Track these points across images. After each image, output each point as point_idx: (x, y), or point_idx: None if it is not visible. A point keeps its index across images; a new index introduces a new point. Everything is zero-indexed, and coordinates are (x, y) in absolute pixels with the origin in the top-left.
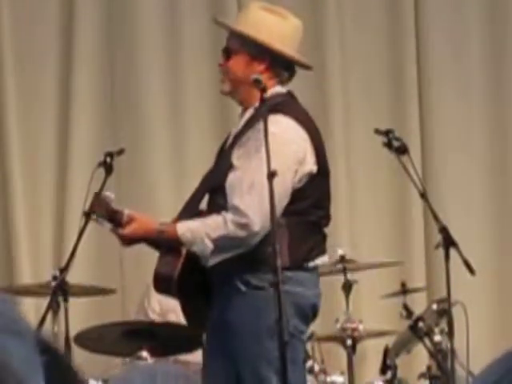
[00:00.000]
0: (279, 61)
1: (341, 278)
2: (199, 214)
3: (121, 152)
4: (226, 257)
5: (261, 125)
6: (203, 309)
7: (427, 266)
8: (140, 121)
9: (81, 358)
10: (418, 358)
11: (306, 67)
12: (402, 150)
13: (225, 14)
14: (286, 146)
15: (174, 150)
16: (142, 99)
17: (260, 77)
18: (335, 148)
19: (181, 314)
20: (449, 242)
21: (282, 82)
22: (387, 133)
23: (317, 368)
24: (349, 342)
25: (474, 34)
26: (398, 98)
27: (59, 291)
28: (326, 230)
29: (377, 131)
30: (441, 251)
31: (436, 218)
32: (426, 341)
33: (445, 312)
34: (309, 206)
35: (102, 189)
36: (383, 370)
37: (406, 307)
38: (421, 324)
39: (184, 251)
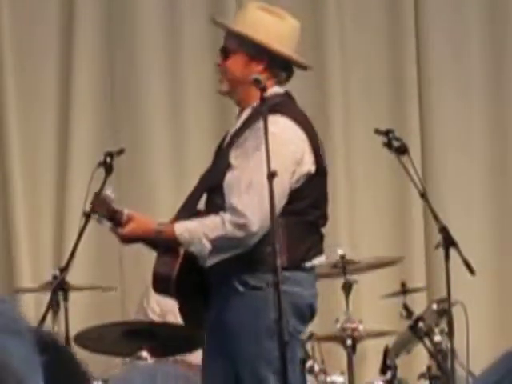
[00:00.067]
0: (277, 61)
1: (341, 278)
2: (197, 214)
3: (121, 152)
4: (224, 257)
5: (259, 124)
6: (201, 309)
7: (427, 265)
8: (140, 121)
9: (81, 357)
10: (418, 358)
11: (304, 67)
12: (402, 150)
13: (224, 14)
14: (285, 146)
15: (173, 149)
16: (142, 99)
17: (260, 76)
18: (335, 148)
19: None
20: (449, 242)
21: (280, 83)
22: (387, 133)
23: (317, 368)
24: (349, 341)
25: (474, 34)
26: (398, 98)
27: (59, 291)
28: (325, 230)
29: (377, 131)
30: (441, 251)
31: (436, 217)
32: (426, 341)
33: (445, 312)
34: (307, 206)
35: (101, 189)
36: (383, 370)
37: (406, 307)
38: (421, 324)
39: (182, 251)
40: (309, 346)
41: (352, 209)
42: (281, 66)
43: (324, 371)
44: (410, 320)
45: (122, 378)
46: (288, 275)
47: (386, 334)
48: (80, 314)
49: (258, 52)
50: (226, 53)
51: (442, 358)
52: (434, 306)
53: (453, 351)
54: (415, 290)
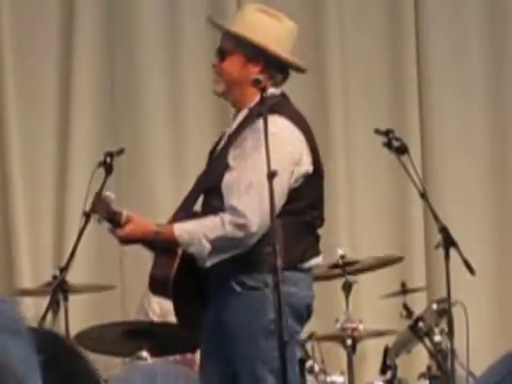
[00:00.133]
0: (274, 63)
1: (341, 278)
2: (193, 216)
3: (121, 152)
4: (224, 258)
5: (258, 124)
6: (197, 310)
7: (427, 265)
8: (140, 121)
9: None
10: (418, 358)
11: (301, 70)
12: (402, 150)
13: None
14: (283, 146)
15: (173, 149)
16: (142, 99)
17: (260, 77)
18: (335, 148)
19: None
20: (449, 242)
21: (275, 85)
22: (387, 133)
23: (317, 368)
24: (349, 341)
25: (474, 34)
26: (397, 98)
27: (59, 291)
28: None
29: (377, 131)
30: (441, 251)
31: (436, 217)
32: (426, 341)
33: (445, 312)
34: (304, 207)
35: (101, 189)
36: (383, 370)
37: (406, 307)
38: (421, 324)
39: (180, 252)
40: (309, 346)
41: (352, 209)
42: (277, 67)
43: (324, 371)
44: (410, 320)
45: (122, 378)
46: (285, 276)
47: (386, 333)
48: (80, 314)
49: (254, 53)
50: (222, 54)
51: (442, 358)
52: (434, 306)
53: (453, 351)
54: (415, 290)
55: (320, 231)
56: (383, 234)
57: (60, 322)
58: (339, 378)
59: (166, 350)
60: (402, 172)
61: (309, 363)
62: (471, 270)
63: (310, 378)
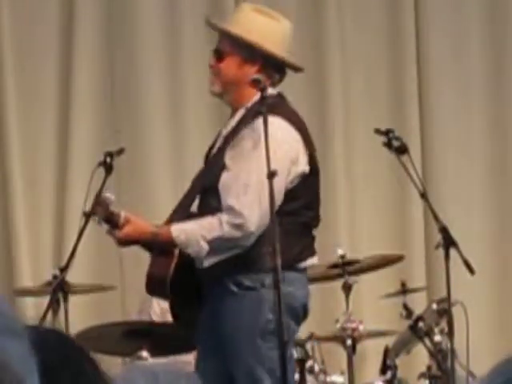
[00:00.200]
0: (271, 63)
1: (341, 278)
2: (190, 216)
3: (121, 152)
4: (222, 258)
5: (255, 124)
6: (194, 309)
7: (427, 265)
8: (140, 121)
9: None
10: (418, 358)
11: (298, 69)
12: (402, 150)
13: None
14: (279, 146)
15: (173, 149)
16: (142, 99)
17: (260, 77)
18: (335, 148)
19: None
20: (449, 242)
21: (273, 84)
22: (387, 133)
23: (317, 368)
24: (349, 342)
25: (474, 34)
26: (397, 98)
27: (59, 291)
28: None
29: (377, 131)
30: (441, 251)
31: (436, 217)
32: (426, 341)
33: (445, 312)
34: (300, 207)
35: (101, 189)
36: (383, 370)
37: (406, 307)
38: (421, 324)
39: (177, 252)
40: (309, 345)
41: (352, 209)
42: (274, 67)
43: (324, 371)
44: (409, 320)
45: (124, 377)
46: (282, 275)
47: (386, 333)
48: (80, 314)
49: (252, 54)
50: (219, 54)
51: (442, 358)
52: (434, 306)
53: (453, 351)
54: (415, 290)
55: (320, 231)
56: (383, 234)
57: (60, 321)
58: (339, 378)
59: (166, 349)
60: (402, 172)
61: (309, 363)
62: (471, 270)
63: (310, 378)
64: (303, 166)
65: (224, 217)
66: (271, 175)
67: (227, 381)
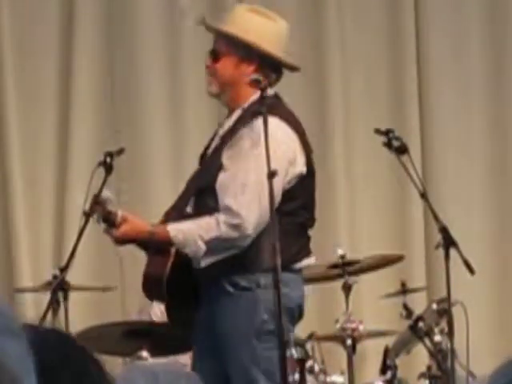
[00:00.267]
0: (268, 62)
1: (341, 278)
2: (185, 218)
3: (121, 152)
4: (219, 258)
5: (254, 124)
6: (191, 309)
7: (427, 265)
8: (140, 121)
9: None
10: (418, 358)
11: (295, 69)
12: (402, 150)
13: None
14: (278, 146)
15: (173, 149)
16: (142, 99)
17: (260, 77)
18: (335, 148)
19: None
20: (449, 242)
21: (270, 84)
22: (387, 133)
23: (317, 368)
24: (349, 341)
25: (474, 34)
26: (397, 98)
27: (59, 291)
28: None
29: (377, 131)
30: (441, 251)
31: (436, 217)
32: (426, 341)
33: (445, 312)
34: (298, 207)
35: (101, 189)
36: (383, 370)
37: (406, 307)
38: (421, 324)
39: (173, 251)
40: (309, 345)
41: (352, 209)
42: (271, 67)
43: (324, 371)
44: (409, 320)
45: (125, 377)
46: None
47: (386, 333)
48: (80, 314)
49: (248, 53)
50: (215, 55)
51: (442, 358)
52: (434, 306)
53: (453, 351)
54: (415, 290)
55: (320, 231)
56: (383, 234)
57: (60, 321)
58: (339, 378)
59: (166, 349)
60: (402, 172)
61: (309, 363)
62: (471, 270)
63: (310, 378)
64: (301, 167)
65: (221, 217)
66: (271, 175)
67: (223, 381)
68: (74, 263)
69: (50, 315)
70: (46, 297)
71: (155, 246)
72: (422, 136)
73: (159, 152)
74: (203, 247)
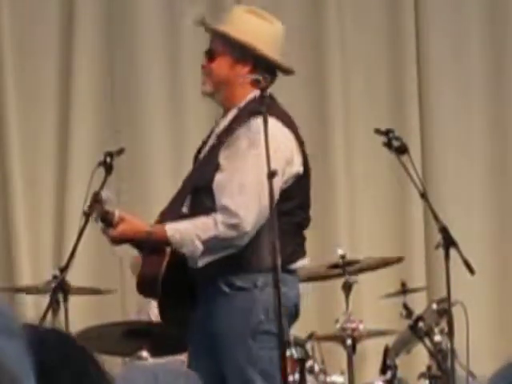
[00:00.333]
0: (262, 64)
1: (341, 278)
2: (181, 218)
3: (121, 152)
4: (216, 258)
5: (251, 124)
6: (186, 309)
7: (427, 265)
8: (140, 121)
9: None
10: (418, 358)
11: (289, 72)
12: (402, 150)
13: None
14: (275, 146)
15: (173, 149)
16: (142, 99)
17: (260, 77)
18: (335, 148)
19: None
20: (449, 242)
21: None
22: (387, 133)
23: (317, 368)
24: (349, 341)
25: (474, 34)
26: (397, 98)
27: (59, 291)
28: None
29: (377, 131)
30: (441, 251)
31: (436, 217)
32: (426, 341)
33: (445, 312)
34: (295, 207)
35: (101, 188)
36: (383, 370)
37: (406, 307)
38: (421, 324)
39: (168, 250)
40: (309, 345)
41: (352, 209)
42: (266, 69)
43: (324, 371)
44: (409, 320)
45: (125, 377)
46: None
47: (386, 333)
48: (80, 314)
49: (243, 54)
50: (211, 54)
51: (442, 358)
52: (434, 306)
53: (453, 351)
54: (415, 290)
55: (320, 231)
56: (383, 234)
57: (60, 321)
58: (339, 378)
59: (166, 350)
60: (402, 172)
61: (309, 363)
62: (471, 270)
63: (310, 378)
64: (297, 167)
65: (219, 217)
66: (272, 175)
67: (219, 381)
68: (73, 263)
69: (49, 315)
70: (46, 297)
71: (152, 245)
72: (422, 136)
73: (159, 152)
74: (200, 247)
